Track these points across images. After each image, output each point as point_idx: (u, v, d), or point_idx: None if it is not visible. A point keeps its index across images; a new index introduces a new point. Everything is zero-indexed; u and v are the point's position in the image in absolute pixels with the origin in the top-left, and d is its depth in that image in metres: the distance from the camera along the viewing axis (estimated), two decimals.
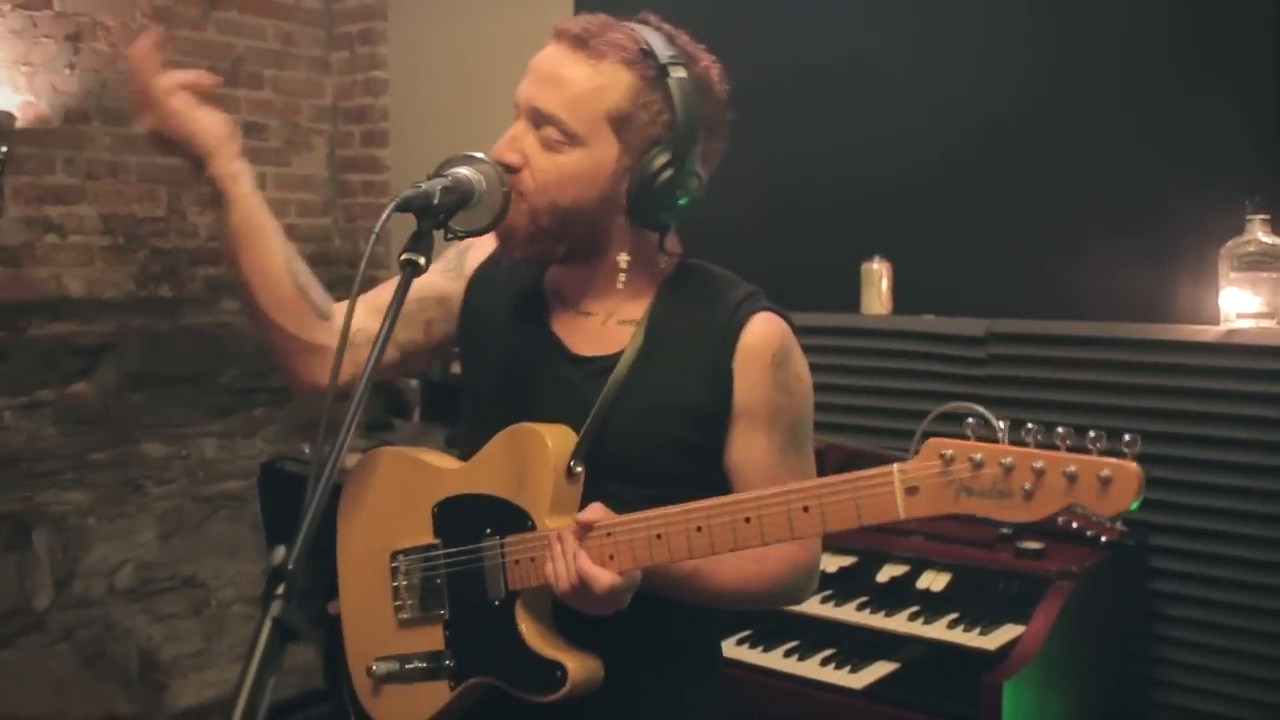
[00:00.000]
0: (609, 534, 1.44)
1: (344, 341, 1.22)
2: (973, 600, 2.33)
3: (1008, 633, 2.21)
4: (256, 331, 1.66)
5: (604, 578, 1.42)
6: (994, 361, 2.74)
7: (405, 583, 1.64)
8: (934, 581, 2.36)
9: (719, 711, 1.71)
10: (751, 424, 1.57)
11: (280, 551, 1.02)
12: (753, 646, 2.37)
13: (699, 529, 1.40)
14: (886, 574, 2.41)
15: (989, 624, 2.25)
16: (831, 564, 2.44)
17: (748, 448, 1.57)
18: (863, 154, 3.12)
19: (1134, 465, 1.15)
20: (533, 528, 1.54)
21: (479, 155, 1.45)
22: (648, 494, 1.51)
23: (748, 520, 1.37)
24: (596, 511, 1.46)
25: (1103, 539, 2.41)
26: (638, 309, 1.62)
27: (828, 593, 2.43)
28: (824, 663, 2.28)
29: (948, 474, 1.23)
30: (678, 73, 1.53)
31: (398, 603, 1.65)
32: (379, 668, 1.64)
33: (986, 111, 2.94)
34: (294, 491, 3.77)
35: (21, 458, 3.56)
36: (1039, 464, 1.17)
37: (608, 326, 1.63)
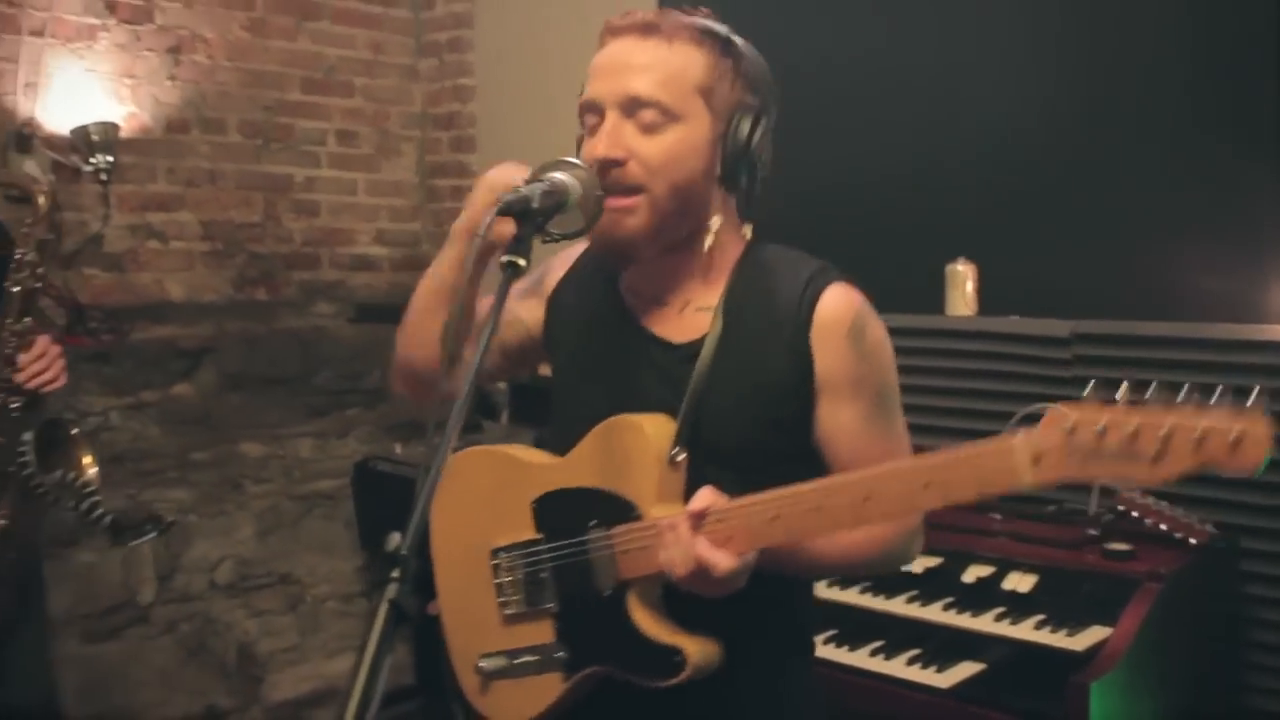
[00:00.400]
0: (722, 520, 1.47)
1: (475, 373, 1.27)
2: (1059, 601, 2.33)
3: (1095, 634, 2.21)
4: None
5: (724, 561, 1.45)
6: (1079, 362, 2.73)
7: (509, 579, 1.67)
8: (1020, 583, 2.37)
9: (815, 690, 1.74)
10: (836, 396, 1.59)
11: (395, 538, 1.08)
12: (839, 645, 2.39)
13: (817, 509, 1.43)
14: (972, 574, 2.42)
15: (1075, 625, 2.25)
16: (917, 565, 2.46)
17: (835, 420, 1.59)
18: (946, 154, 3.12)
19: (1263, 421, 1.13)
20: (639, 517, 1.56)
21: (574, 160, 1.49)
22: (747, 475, 1.53)
23: (867, 499, 1.40)
24: (709, 497, 1.49)
25: (1192, 541, 2.39)
26: (713, 295, 1.64)
27: (913, 593, 2.45)
28: (910, 662, 2.30)
29: (1072, 441, 1.23)
30: (739, 43, 1.62)
31: (502, 599, 1.67)
32: (487, 664, 1.66)
33: (1073, 110, 2.92)
34: (387, 490, 3.87)
35: (127, 457, 3.69)
36: (1165, 428, 1.16)
37: (686, 315, 1.66)
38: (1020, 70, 3.02)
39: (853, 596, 2.49)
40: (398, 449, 4.08)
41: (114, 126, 3.70)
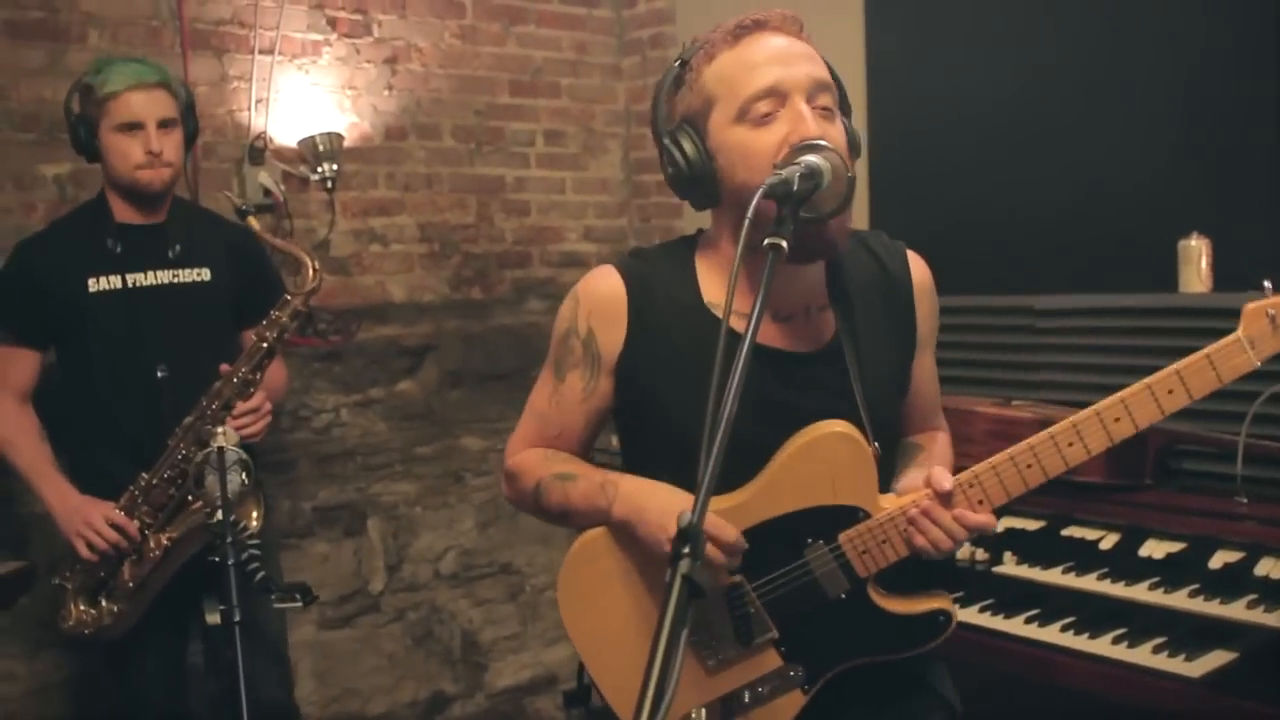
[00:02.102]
0: (973, 485, 1.58)
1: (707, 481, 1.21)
2: None
3: None
4: None
5: (990, 520, 1.58)
6: None
7: (705, 634, 1.65)
8: (1274, 568, 2.24)
9: None
10: (925, 348, 1.81)
11: (685, 514, 1.09)
12: (1077, 633, 2.32)
13: (1070, 444, 1.56)
14: (1220, 560, 2.30)
15: None
16: (1159, 550, 2.36)
17: (921, 369, 1.81)
18: (1173, 126, 2.99)
19: None
20: (867, 516, 1.61)
21: (823, 143, 1.49)
22: (890, 445, 1.71)
23: (1118, 419, 1.57)
24: (946, 476, 1.58)
25: None
26: (820, 291, 1.70)
27: (1155, 579, 2.35)
28: (1156, 650, 2.21)
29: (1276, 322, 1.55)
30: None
31: (704, 653, 1.66)
32: (697, 716, 1.65)
33: None
34: None
35: (357, 451, 3.86)
36: None
37: (811, 319, 1.69)
38: (1247, 35, 2.86)
39: (1091, 583, 2.41)
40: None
41: (339, 136, 3.87)
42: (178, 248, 2.85)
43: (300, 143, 3.86)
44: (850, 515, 1.61)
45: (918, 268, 1.78)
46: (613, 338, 1.71)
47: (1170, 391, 1.56)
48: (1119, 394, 1.58)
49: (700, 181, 1.62)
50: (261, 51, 3.82)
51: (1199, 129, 2.94)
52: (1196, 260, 2.85)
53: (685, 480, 1.58)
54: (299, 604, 2.20)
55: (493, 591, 4.18)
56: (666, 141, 1.64)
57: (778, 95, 1.57)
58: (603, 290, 1.72)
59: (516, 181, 4.40)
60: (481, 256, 4.31)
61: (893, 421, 1.76)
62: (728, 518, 1.61)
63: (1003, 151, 3.29)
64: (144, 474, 2.70)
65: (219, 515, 2.09)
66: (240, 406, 2.71)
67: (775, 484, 1.63)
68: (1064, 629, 2.34)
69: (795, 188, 1.40)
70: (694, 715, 1.65)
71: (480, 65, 4.30)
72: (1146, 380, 1.58)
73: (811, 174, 1.43)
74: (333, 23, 3.96)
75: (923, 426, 1.91)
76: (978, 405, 2.84)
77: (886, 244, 1.78)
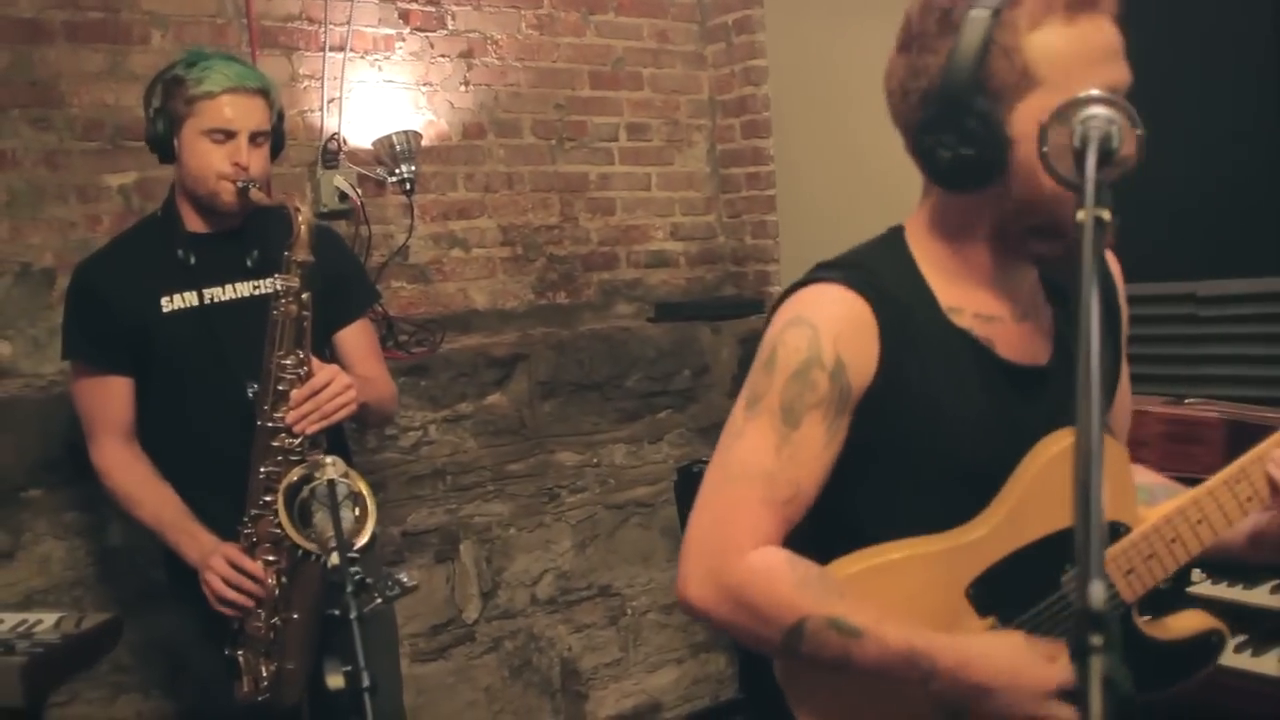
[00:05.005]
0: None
1: None
2: None
3: None
4: None
5: None
6: None
7: None
8: None
9: None
10: (1125, 349, 1.63)
11: (1098, 588, 0.80)
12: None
13: None
14: None
15: None
16: None
17: (1123, 377, 1.64)
18: None
19: None
20: (1126, 531, 1.40)
21: (1105, 94, 1.20)
22: None
23: None
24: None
25: None
26: (1037, 288, 1.50)
27: None
28: None
29: None
30: None
31: None
32: None
33: None
34: None
35: (447, 471, 3.61)
36: None
37: (1040, 319, 1.49)
38: None
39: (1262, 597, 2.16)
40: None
41: (416, 135, 3.64)
42: (255, 254, 2.57)
43: (375, 143, 3.63)
44: (1115, 531, 1.39)
45: (1114, 264, 1.59)
46: (864, 367, 1.39)
47: None
48: None
49: (988, 169, 1.31)
50: (332, 48, 3.60)
51: None
52: None
53: (943, 522, 1.38)
54: (398, 594, 1.88)
55: (592, 616, 3.92)
56: (963, 113, 1.30)
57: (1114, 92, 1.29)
58: (846, 312, 1.39)
59: (600, 179, 4.15)
60: (566, 259, 4.07)
61: (1121, 431, 1.63)
62: (969, 555, 1.38)
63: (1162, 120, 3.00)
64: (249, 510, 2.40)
65: (334, 559, 1.82)
66: (296, 395, 2.37)
67: (1020, 509, 1.39)
68: (1237, 650, 2.08)
69: (1115, 144, 1.12)
70: None
71: (560, 56, 4.06)
72: None
73: (1112, 134, 1.15)
74: (405, 16, 3.73)
75: None
76: (1147, 405, 2.57)
77: None
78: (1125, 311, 1.59)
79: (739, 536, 1.36)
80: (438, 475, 3.59)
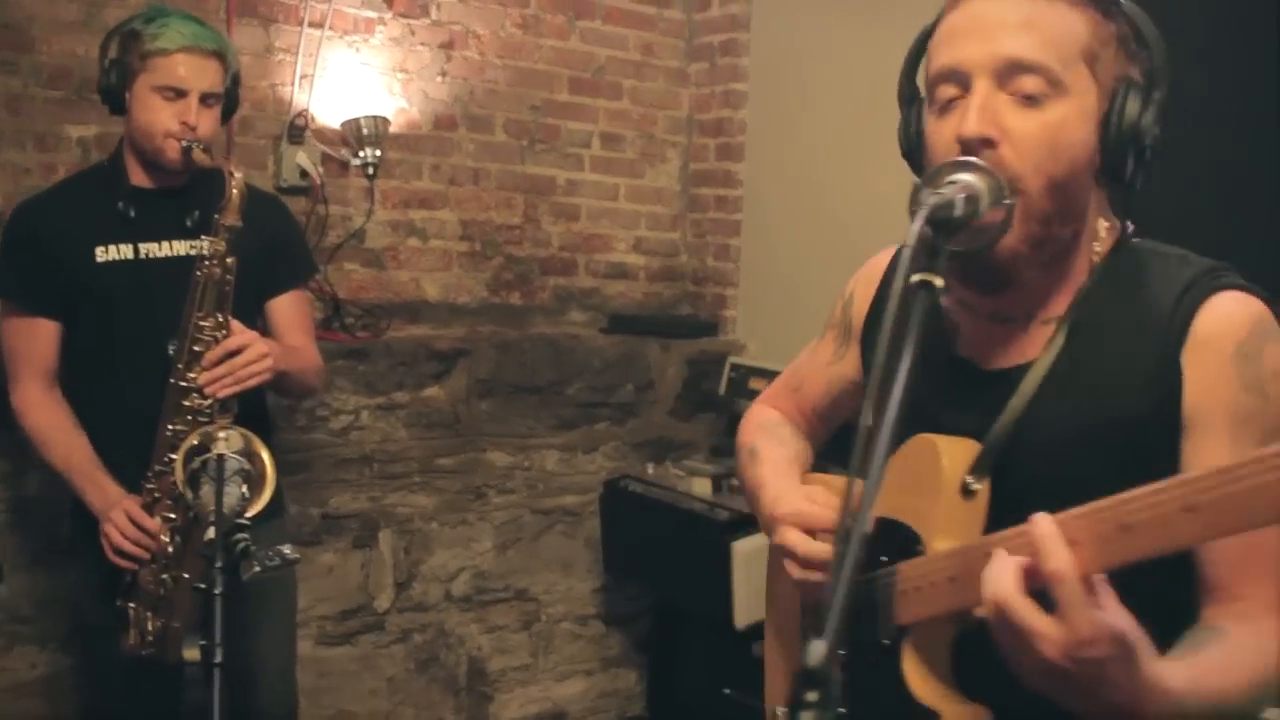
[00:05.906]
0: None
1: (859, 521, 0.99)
2: None
3: None
4: None
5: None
6: None
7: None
8: None
9: None
10: (1211, 433, 1.24)
11: (818, 648, 0.79)
12: None
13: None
14: None
15: None
16: None
17: (1202, 464, 1.17)
18: None
19: None
20: (920, 552, 1.29)
21: (975, 160, 1.20)
22: (1038, 508, 1.12)
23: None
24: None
25: None
26: (1063, 303, 1.35)
27: None
28: None
29: None
30: (1128, 4, 1.31)
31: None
32: (780, 714, 1.63)
33: None
34: (636, 512, 3.67)
35: (375, 458, 3.60)
36: None
37: (1030, 330, 1.36)
38: None
39: None
40: (650, 469, 3.87)
41: (384, 121, 3.64)
42: (196, 214, 2.55)
43: (344, 124, 3.63)
44: (913, 542, 1.31)
45: (1210, 320, 1.26)
46: (861, 308, 1.63)
47: None
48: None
49: (918, 168, 1.41)
50: (311, 25, 3.59)
51: None
52: None
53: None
54: (278, 565, 1.86)
55: (506, 618, 3.91)
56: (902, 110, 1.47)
57: (957, 78, 1.28)
58: (875, 259, 1.65)
59: (568, 184, 4.15)
60: (524, 260, 4.06)
61: (1055, 476, 1.27)
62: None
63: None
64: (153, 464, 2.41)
65: (210, 533, 1.82)
66: (209, 357, 2.35)
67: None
68: None
69: (958, 212, 1.12)
70: (778, 714, 1.64)
71: (540, 58, 4.06)
72: None
73: (972, 198, 1.15)
74: (390, 1, 3.73)
75: (1221, 587, 1.25)
76: None
77: (1188, 281, 1.29)
78: (1213, 378, 1.25)
79: (762, 399, 1.84)
80: (365, 461, 3.58)
